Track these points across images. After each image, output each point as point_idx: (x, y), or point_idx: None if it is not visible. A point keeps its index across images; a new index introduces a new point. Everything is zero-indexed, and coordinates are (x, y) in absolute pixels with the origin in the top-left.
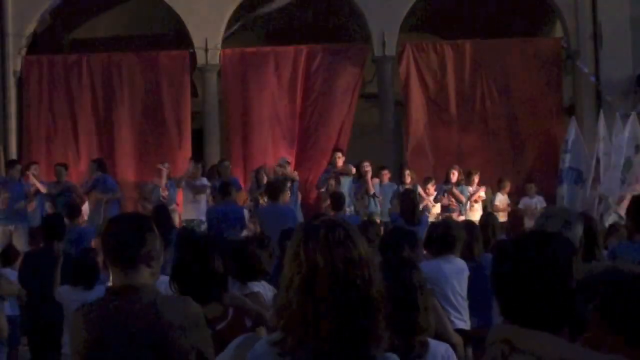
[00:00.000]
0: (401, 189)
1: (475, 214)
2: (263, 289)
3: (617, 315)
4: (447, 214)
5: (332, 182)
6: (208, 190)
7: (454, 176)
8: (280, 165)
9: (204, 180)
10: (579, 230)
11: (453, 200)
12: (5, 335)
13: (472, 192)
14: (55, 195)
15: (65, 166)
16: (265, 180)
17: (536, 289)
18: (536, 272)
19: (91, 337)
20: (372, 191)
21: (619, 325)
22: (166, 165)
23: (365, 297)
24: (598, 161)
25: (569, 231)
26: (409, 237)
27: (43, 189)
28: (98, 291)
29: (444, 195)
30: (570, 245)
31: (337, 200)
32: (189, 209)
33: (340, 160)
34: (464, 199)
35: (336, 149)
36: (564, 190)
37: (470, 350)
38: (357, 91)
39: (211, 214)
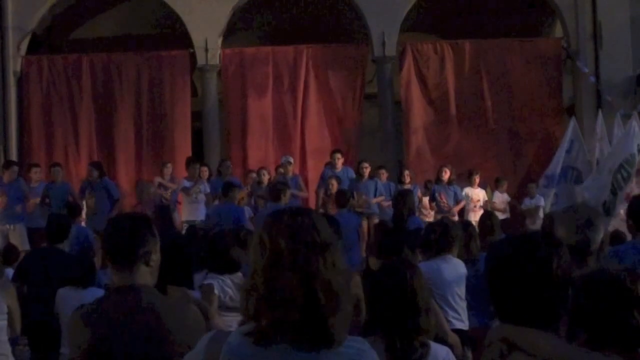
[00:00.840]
0: (396, 188)
1: (479, 215)
2: (220, 283)
3: (583, 313)
4: (442, 214)
5: (333, 182)
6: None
7: (446, 174)
8: (282, 165)
9: (207, 187)
10: (601, 231)
11: (445, 201)
12: (19, 332)
13: (467, 192)
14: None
15: (61, 166)
16: (266, 181)
17: (519, 287)
18: (517, 270)
19: (91, 337)
20: (376, 200)
21: (584, 322)
22: (168, 165)
23: (327, 282)
24: (598, 162)
25: (590, 231)
26: (408, 238)
27: (33, 195)
28: (93, 291)
29: (434, 199)
30: (551, 244)
31: (342, 196)
32: (189, 210)
33: (339, 162)
34: (464, 202)
35: (335, 150)
36: (554, 190)
37: (469, 352)
38: (360, 91)
39: (211, 214)
